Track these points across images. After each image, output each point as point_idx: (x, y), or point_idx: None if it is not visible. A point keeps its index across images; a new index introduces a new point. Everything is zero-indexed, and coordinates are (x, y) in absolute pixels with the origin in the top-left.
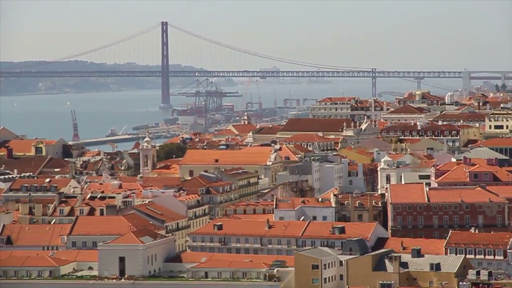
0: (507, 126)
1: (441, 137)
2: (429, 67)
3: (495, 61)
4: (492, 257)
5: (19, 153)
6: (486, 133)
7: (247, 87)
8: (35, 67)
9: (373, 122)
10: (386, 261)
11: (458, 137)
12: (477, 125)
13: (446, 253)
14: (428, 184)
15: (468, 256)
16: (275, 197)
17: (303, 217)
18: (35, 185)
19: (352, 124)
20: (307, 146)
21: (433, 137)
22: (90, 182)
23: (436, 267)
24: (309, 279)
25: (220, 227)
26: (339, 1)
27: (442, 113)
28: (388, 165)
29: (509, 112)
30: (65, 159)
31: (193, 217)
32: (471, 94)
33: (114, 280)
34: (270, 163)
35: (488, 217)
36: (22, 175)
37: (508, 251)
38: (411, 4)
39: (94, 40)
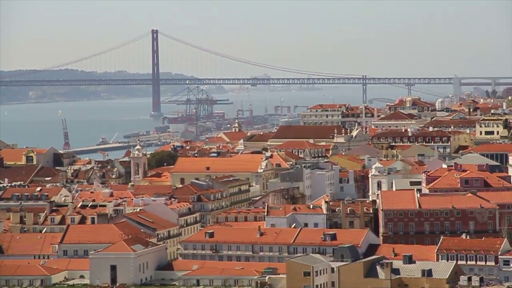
0: (497, 132)
1: (432, 144)
2: (420, 73)
3: (485, 67)
4: (483, 263)
5: (10, 162)
6: (476, 139)
7: (238, 94)
8: (25, 76)
9: (364, 129)
10: (378, 267)
11: (449, 143)
12: (468, 131)
13: (437, 259)
14: (419, 190)
15: (459, 262)
16: (266, 204)
17: (294, 224)
18: (26, 194)
19: (343, 131)
20: (298, 153)
21: (424, 143)
22: (81, 190)
23: (428, 273)
24: (301, 286)
25: (211, 235)
26: (329, 9)
27: (432, 119)
28: (379, 171)
29: (500, 118)
30: (56, 167)
31: (185, 225)
32: (461, 100)
33: None
34: (261, 170)
35: (479, 223)
36: (13, 184)
37: (499, 257)
38: (401, 11)
39: (85, 49)
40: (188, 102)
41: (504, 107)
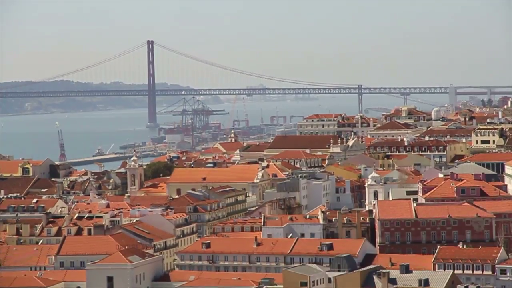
0: (493, 141)
1: (428, 153)
2: (415, 83)
3: (481, 76)
4: (480, 272)
5: (6, 173)
6: (472, 148)
7: (234, 104)
8: (21, 87)
9: (360, 139)
10: (375, 277)
11: (445, 153)
12: (464, 140)
13: (434, 269)
14: (416, 199)
15: (456, 271)
16: (263, 214)
17: (291, 234)
18: (22, 205)
19: (339, 140)
20: (294, 163)
21: (420, 152)
22: (77, 202)
23: (425, 282)
24: None
25: (208, 245)
26: (324, 19)
27: (428, 128)
28: (375, 181)
29: (496, 127)
30: (52, 179)
31: (181, 236)
32: (457, 109)
33: None
34: (258, 180)
35: (476, 232)
36: (9, 195)
37: (496, 266)
38: (397, 21)
39: (80, 60)
40: (184, 112)
41: (500, 116)
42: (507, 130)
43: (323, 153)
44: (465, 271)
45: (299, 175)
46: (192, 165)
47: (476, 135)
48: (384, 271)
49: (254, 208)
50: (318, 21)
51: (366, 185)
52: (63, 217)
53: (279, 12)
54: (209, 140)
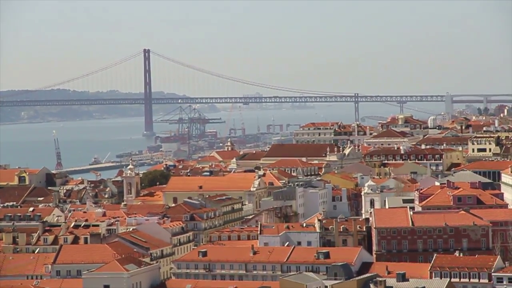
0: (490, 149)
1: (425, 161)
2: (412, 91)
3: (477, 84)
4: (477, 280)
5: (2, 182)
6: (469, 157)
7: (230, 113)
8: (18, 96)
9: (356, 147)
10: (371, 285)
11: (441, 161)
12: (460, 148)
13: (431, 277)
14: (412, 208)
15: (453, 279)
16: (259, 223)
17: (287, 243)
18: (19, 214)
19: (335, 149)
20: (291, 172)
21: (417, 161)
22: (74, 210)
23: None
24: None
25: (204, 254)
26: (321, 27)
27: (425, 137)
28: (372, 189)
29: (492, 135)
30: (49, 188)
31: (178, 244)
32: (453, 117)
33: None
34: (254, 189)
35: (472, 241)
36: (5, 204)
37: (492, 274)
38: (393, 29)
39: (76, 68)
40: (181, 121)
41: (496, 125)
42: (503, 138)
43: (319, 162)
44: (462, 280)
45: (296, 183)
46: (188, 174)
47: (473, 144)
48: (380, 279)
49: (250, 217)
50: (314, 30)
51: (362, 193)
52: (60, 225)
53: (275, 20)
54: (205, 148)
